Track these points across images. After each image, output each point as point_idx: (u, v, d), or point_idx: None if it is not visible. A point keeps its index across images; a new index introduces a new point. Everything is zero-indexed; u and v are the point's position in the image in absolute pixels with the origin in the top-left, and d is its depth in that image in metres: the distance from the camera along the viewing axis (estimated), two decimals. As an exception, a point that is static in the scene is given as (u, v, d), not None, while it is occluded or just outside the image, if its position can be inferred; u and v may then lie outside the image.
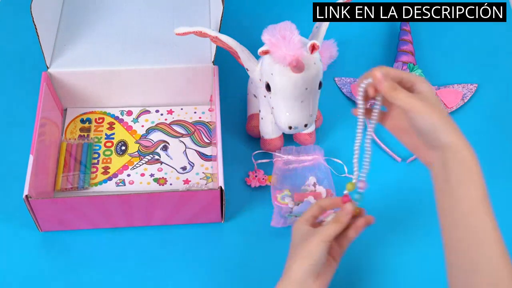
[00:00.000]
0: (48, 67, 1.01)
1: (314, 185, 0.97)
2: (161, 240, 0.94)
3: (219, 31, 0.93)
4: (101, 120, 1.06)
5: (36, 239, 0.94)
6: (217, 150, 0.92)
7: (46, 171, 0.96)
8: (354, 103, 1.10)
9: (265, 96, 0.93)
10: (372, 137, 0.77)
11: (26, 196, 0.86)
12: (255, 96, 1.02)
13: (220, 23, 0.95)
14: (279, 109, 0.90)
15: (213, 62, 1.01)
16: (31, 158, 0.89)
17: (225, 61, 1.03)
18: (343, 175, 1.00)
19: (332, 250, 0.79)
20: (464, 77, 1.13)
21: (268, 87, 0.90)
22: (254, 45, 0.90)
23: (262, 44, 0.86)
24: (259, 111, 0.99)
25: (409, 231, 0.96)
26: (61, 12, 1.10)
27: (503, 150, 1.05)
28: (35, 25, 0.93)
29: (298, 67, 0.85)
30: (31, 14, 0.91)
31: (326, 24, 0.93)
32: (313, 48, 0.86)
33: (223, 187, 0.89)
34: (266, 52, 0.87)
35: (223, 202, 0.91)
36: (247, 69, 0.94)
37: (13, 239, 0.94)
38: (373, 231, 0.94)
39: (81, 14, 1.10)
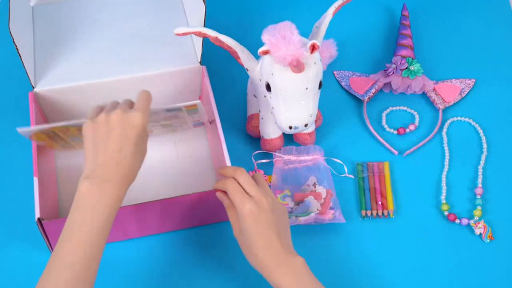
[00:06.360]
0: (33, 87, 0.97)
1: (314, 185, 0.97)
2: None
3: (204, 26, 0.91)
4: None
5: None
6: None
7: (49, 190, 0.93)
8: (353, 97, 1.10)
9: (265, 96, 0.92)
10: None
11: (39, 219, 0.83)
12: (255, 96, 1.01)
13: (204, 20, 0.92)
14: (279, 109, 0.90)
15: (200, 62, 1.00)
16: (35, 180, 0.86)
17: (225, 62, 1.02)
18: (343, 175, 1.00)
19: None
20: (462, 72, 1.13)
21: (268, 87, 0.89)
22: (254, 45, 0.89)
23: (262, 44, 0.86)
24: (259, 111, 0.99)
25: (407, 222, 0.96)
26: (33, 29, 1.05)
27: (500, 145, 1.05)
28: (16, 46, 0.89)
29: (298, 67, 0.85)
30: (11, 34, 0.87)
31: (326, 24, 0.93)
32: (313, 48, 0.85)
33: None
34: (266, 52, 0.86)
35: None
36: (247, 69, 0.93)
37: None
38: (372, 226, 0.95)
39: (53, 29, 1.05)
